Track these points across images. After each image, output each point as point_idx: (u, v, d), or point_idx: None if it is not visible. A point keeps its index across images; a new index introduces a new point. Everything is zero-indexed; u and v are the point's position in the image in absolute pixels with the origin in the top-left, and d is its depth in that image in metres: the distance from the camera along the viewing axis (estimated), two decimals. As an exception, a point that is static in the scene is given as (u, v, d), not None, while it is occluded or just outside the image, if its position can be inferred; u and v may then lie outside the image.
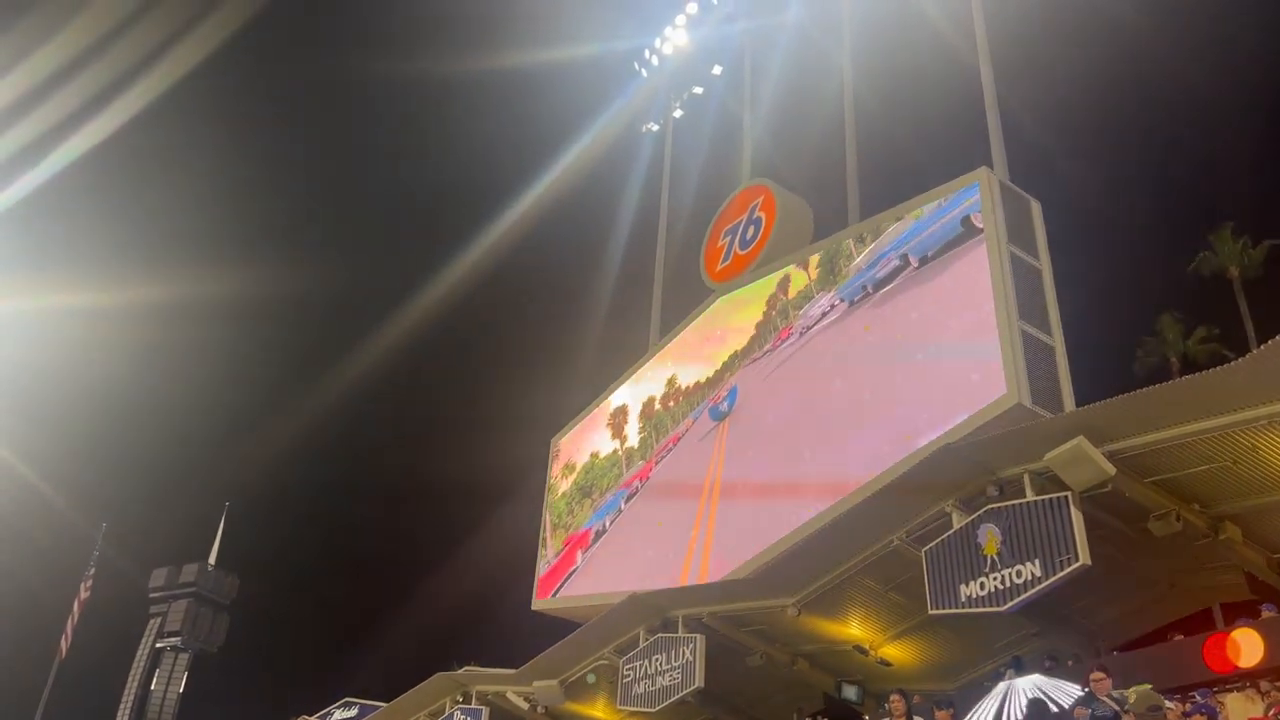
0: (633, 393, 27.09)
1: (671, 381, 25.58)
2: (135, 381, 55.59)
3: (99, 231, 55.05)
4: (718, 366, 23.89)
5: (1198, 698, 12.23)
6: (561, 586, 25.86)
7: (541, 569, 26.95)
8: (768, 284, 23.50)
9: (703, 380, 24.26)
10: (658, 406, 25.71)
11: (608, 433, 27.27)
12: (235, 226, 65.28)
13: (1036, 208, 18.71)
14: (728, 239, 25.47)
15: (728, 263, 25.11)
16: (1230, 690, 12.48)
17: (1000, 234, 17.62)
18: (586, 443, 27.94)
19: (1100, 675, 10.86)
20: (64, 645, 43.55)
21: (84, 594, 44.42)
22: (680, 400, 24.89)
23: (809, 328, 21.32)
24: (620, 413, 27.13)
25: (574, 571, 25.70)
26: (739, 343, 23.53)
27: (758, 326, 23.15)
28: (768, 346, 22.47)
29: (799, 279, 22.46)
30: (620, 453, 26.34)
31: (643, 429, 25.93)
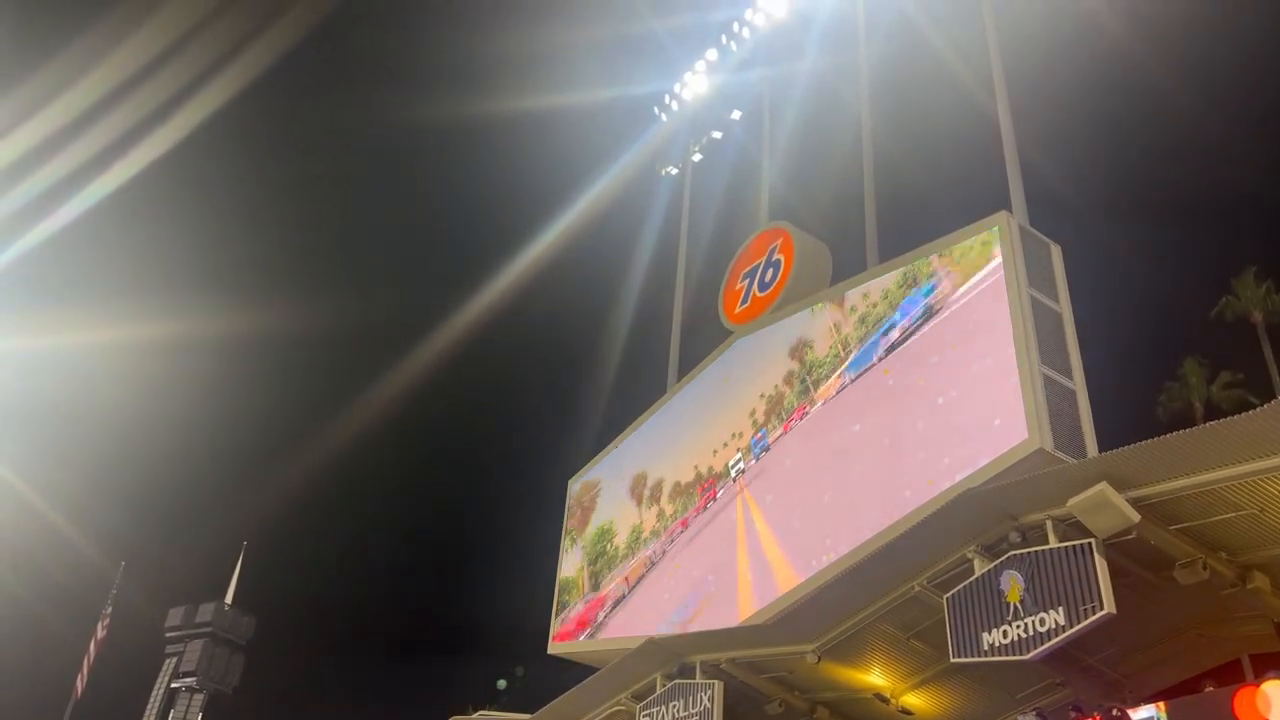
0: (649, 439, 26.99)
1: (693, 440, 25.27)
2: (153, 418, 56.03)
3: (120, 268, 55.84)
4: (738, 427, 23.68)
5: (1228, 751, 11.94)
6: (576, 630, 25.65)
7: (557, 612, 26.78)
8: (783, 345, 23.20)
9: (724, 444, 24.02)
10: (677, 475, 25.39)
11: (627, 490, 26.98)
12: (255, 265, 65.98)
13: (1057, 251, 18.68)
14: (746, 281, 25.55)
15: (747, 304, 25.15)
16: (1261, 744, 12.19)
17: (1020, 278, 17.57)
18: (606, 494, 27.74)
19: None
20: (80, 685, 43.56)
21: (100, 634, 44.46)
22: (701, 466, 24.53)
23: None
24: (640, 478, 26.75)
25: (589, 620, 25.51)
26: (758, 404, 23.26)
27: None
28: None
29: (820, 347, 22.08)
30: (640, 515, 26.09)
31: (663, 492, 25.59)
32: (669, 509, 24.85)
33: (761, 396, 23.05)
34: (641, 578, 24.65)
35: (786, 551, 20.23)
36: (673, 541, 24.24)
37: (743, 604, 20.68)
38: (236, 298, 59.57)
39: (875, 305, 20.70)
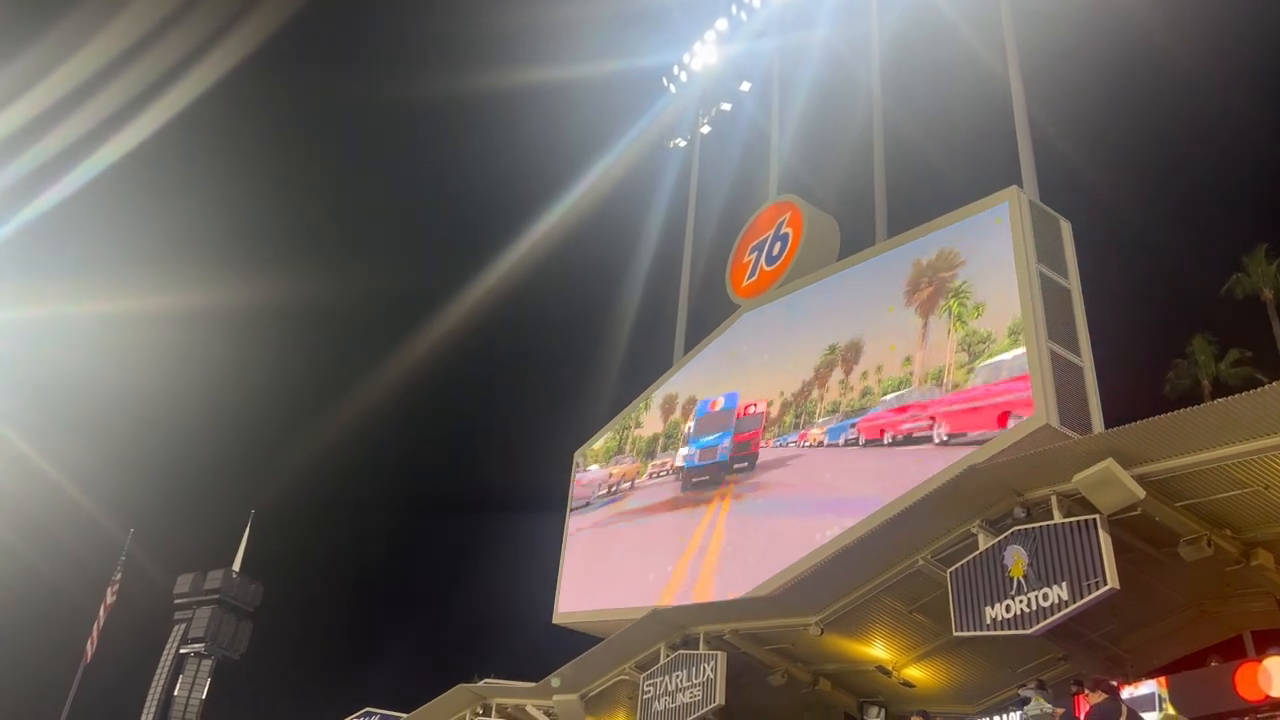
0: (655, 406, 27.06)
1: (692, 399, 25.53)
2: (164, 388, 56.25)
3: (131, 239, 55.84)
4: (738, 399, 23.82)
5: (1228, 727, 12.05)
6: (582, 600, 25.84)
7: (563, 582, 26.93)
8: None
9: (721, 408, 24.18)
10: (678, 421, 25.68)
11: (630, 446, 27.26)
12: (268, 236, 66.00)
13: (1066, 227, 18.57)
14: (754, 255, 25.46)
15: (754, 279, 25.10)
16: (1263, 719, 12.27)
17: (1029, 253, 17.50)
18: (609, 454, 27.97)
19: None
20: (89, 649, 44.01)
21: (110, 599, 44.89)
22: (700, 420, 24.82)
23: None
24: (642, 429, 27.13)
25: (594, 584, 25.69)
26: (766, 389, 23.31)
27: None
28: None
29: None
30: (640, 464, 26.33)
31: (663, 444, 25.87)
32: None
33: (780, 393, 22.89)
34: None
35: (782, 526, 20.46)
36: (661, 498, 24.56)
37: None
38: (245, 270, 59.61)
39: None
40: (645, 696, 17.68)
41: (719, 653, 16.78)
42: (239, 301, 56.91)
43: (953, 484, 13.95)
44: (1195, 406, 12.01)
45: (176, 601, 70.14)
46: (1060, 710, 12.13)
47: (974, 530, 13.59)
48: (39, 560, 50.67)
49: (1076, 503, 12.62)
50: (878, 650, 16.58)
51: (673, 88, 34.93)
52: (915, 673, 16.74)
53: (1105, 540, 12.04)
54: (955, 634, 13.60)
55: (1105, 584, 11.80)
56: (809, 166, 30.02)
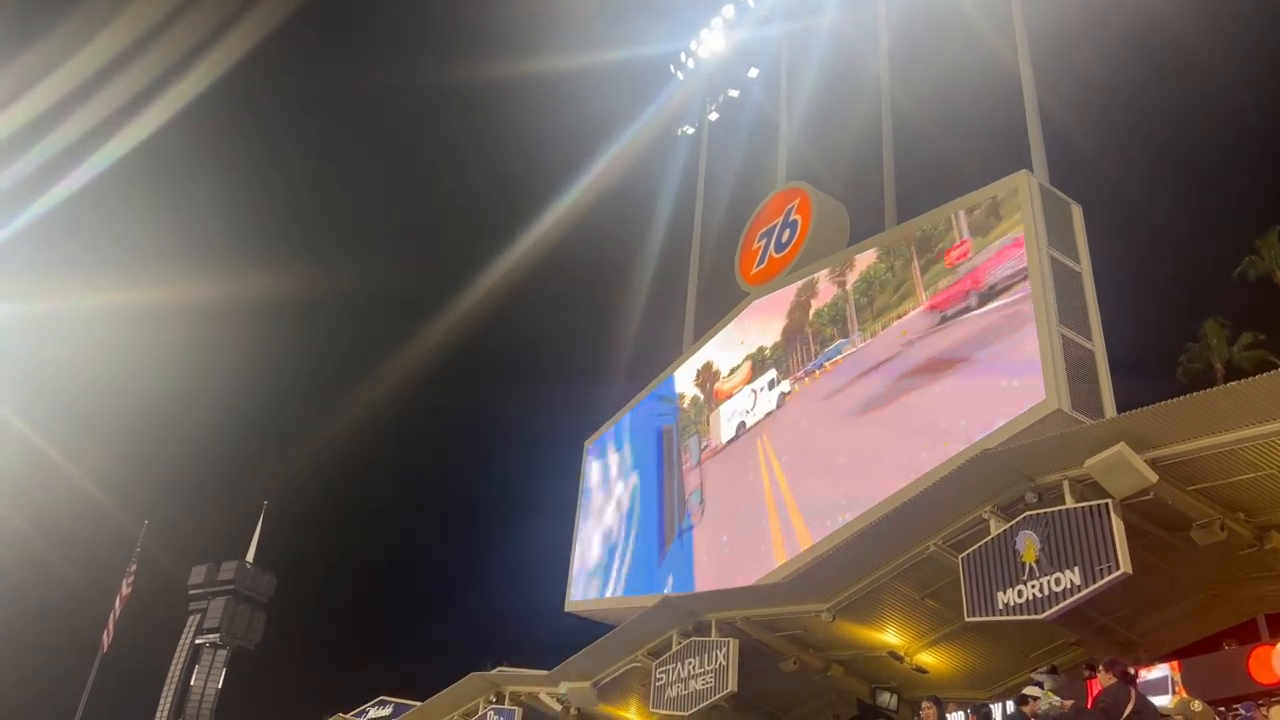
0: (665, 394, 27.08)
1: (704, 385, 25.56)
2: (176, 381, 56.53)
3: (142, 233, 56.04)
4: (749, 370, 23.86)
5: (1242, 711, 12.03)
6: (593, 588, 25.92)
7: (574, 571, 27.02)
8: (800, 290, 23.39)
9: (736, 385, 24.22)
10: (691, 408, 25.70)
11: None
12: (278, 228, 66.20)
13: (1077, 211, 18.48)
14: (763, 242, 25.41)
15: (763, 266, 25.05)
16: (1277, 703, 12.25)
17: (1040, 238, 17.42)
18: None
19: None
20: (106, 640, 44.29)
21: (125, 590, 45.15)
22: (713, 406, 24.85)
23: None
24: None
25: (607, 572, 25.76)
26: (769, 345, 23.46)
27: (785, 334, 23.09)
28: (800, 361, 22.35)
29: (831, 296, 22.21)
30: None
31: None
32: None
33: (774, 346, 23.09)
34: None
35: (807, 518, 20.42)
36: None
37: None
38: (256, 263, 59.79)
39: (889, 267, 20.63)
40: (658, 683, 17.75)
41: (731, 639, 16.81)
42: (249, 295, 57.11)
43: (964, 470, 13.92)
44: (1208, 390, 11.94)
45: (191, 592, 70.69)
46: (1069, 703, 12.10)
47: (985, 516, 13.56)
48: (54, 553, 51.10)
49: (1088, 487, 12.58)
50: (890, 636, 16.59)
51: (680, 75, 34.85)
52: (928, 658, 16.75)
53: (1117, 525, 12.00)
54: (967, 619, 13.58)
55: (1117, 568, 11.76)
56: (817, 153, 29.92)
